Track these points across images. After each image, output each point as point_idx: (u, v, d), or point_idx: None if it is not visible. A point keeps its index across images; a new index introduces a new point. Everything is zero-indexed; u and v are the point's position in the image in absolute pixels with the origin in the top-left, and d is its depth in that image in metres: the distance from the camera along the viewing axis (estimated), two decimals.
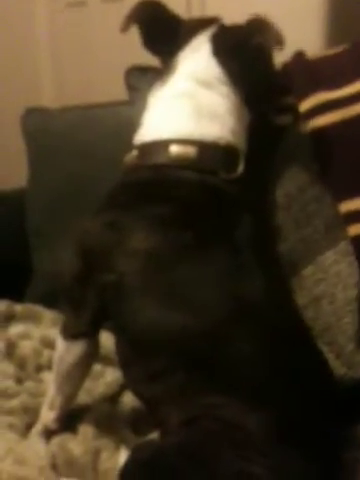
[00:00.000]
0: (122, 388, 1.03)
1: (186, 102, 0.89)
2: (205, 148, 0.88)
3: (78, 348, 0.90)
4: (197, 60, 0.91)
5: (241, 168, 0.89)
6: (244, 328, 0.80)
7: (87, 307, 0.88)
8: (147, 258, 0.83)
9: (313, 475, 0.74)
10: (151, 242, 0.83)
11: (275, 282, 0.86)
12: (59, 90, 1.98)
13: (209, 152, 0.88)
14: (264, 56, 0.92)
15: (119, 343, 0.89)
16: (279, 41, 0.85)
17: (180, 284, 0.82)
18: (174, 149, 0.87)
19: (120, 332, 0.87)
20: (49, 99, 1.90)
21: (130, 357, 0.86)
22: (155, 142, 0.90)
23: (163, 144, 0.88)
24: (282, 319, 0.83)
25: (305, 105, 0.95)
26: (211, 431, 0.75)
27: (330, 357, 0.89)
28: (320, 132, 0.94)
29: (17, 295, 1.32)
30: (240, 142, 0.91)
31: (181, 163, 0.87)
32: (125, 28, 0.92)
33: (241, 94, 0.91)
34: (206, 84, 0.90)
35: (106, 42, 1.86)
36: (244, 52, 0.90)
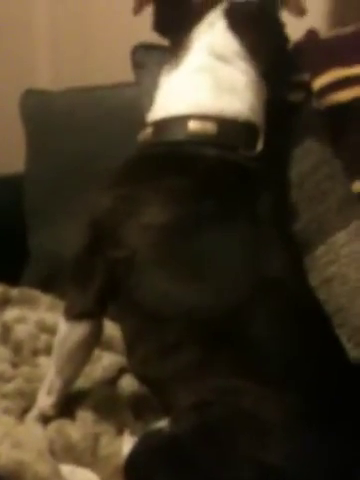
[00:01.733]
0: (120, 372, 1.01)
1: (205, 77, 0.88)
2: (225, 124, 0.85)
3: (82, 329, 0.87)
4: (213, 35, 0.90)
5: (260, 145, 0.87)
6: (265, 305, 0.77)
7: (94, 284, 0.85)
8: (162, 231, 0.80)
9: (333, 461, 0.72)
10: (166, 215, 0.81)
11: (294, 260, 0.84)
12: (55, 74, 1.95)
13: (229, 128, 0.86)
14: (279, 27, 0.91)
15: (127, 319, 0.85)
16: (302, 9, 0.84)
17: (197, 257, 0.79)
18: (193, 125, 0.85)
19: (130, 307, 0.83)
20: (45, 83, 1.87)
21: (140, 332, 0.82)
22: (172, 118, 0.87)
23: (181, 120, 0.86)
24: (303, 298, 0.81)
25: (320, 81, 0.92)
26: (226, 418, 0.71)
27: (342, 339, 0.86)
28: (335, 108, 0.91)
29: (13, 280, 1.30)
30: (259, 118, 0.89)
31: (200, 139, 0.85)
32: (139, 9, 0.90)
33: (258, 69, 0.89)
34: (224, 58, 0.88)
35: (104, 27, 1.83)
36: (260, 23, 0.89)
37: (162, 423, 0.80)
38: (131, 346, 0.85)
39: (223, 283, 0.78)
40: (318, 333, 0.80)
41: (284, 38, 0.93)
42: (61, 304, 1.08)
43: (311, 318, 0.81)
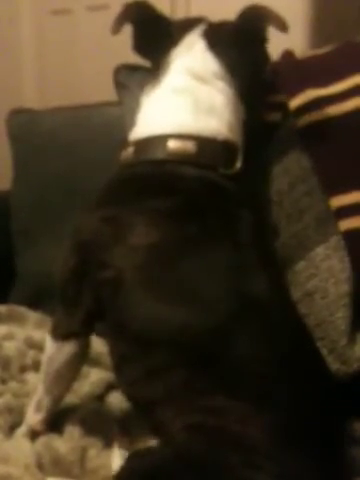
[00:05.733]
0: (108, 388, 1.02)
1: (184, 97, 0.89)
2: (204, 143, 0.87)
3: (69, 349, 0.88)
4: (192, 56, 0.91)
5: (239, 164, 0.89)
6: (248, 325, 0.78)
7: (81, 305, 0.86)
8: (148, 253, 0.81)
9: (319, 477, 0.72)
10: (152, 237, 0.81)
11: (275, 278, 0.85)
12: (41, 95, 1.98)
13: (208, 147, 0.87)
14: (259, 46, 0.92)
15: (115, 340, 0.86)
16: (284, 26, 0.85)
17: (182, 279, 0.80)
18: (172, 144, 0.87)
19: (117, 328, 0.84)
20: (31, 103, 1.89)
21: (127, 354, 0.83)
22: (153, 137, 0.88)
23: (161, 139, 0.87)
24: (285, 316, 0.82)
25: (296, 102, 0.95)
26: (214, 439, 0.72)
27: (323, 352, 0.88)
28: (311, 128, 0.94)
29: (0, 299, 1.31)
30: (237, 138, 0.91)
31: (180, 158, 0.86)
32: (117, 29, 0.91)
33: (237, 89, 0.91)
34: (203, 79, 0.90)
35: (89, 49, 1.86)
36: (238, 44, 0.90)
37: (152, 442, 0.82)
38: (119, 368, 0.86)
39: (207, 305, 0.79)
40: (300, 351, 0.81)
41: (264, 57, 0.94)
42: (49, 321, 1.09)
43: (293, 337, 0.82)
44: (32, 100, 1.92)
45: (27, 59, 2.01)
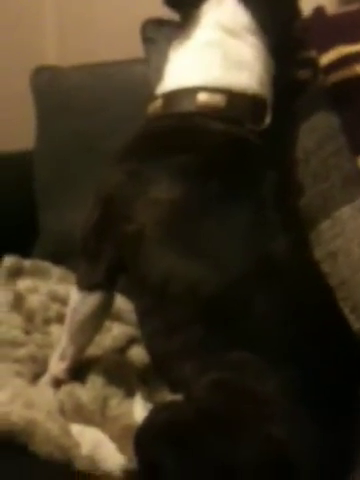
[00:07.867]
0: (129, 343, 1.04)
1: (214, 51, 0.88)
2: (233, 97, 0.86)
3: (93, 300, 0.89)
4: (223, 10, 0.90)
5: (268, 119, 0.88)
6: (267, 284, 0.78)
7: (104, 258, 0.87)
8: (170, 208, 0.81)
9: (329, 437, 0.73)
10: (174, 192, 0.82)
11: (298, 238, 0.85)
12: (63, 53, 1.96)
13: (237, 101, 0.86)
14: (291, 1, 0.91)
15: (136, 294, 0.87)
16: None
17: (203, 235, 0.81)
18: (202, 97, 0.86)
19: (138, 283, 0.85)
20: (52, 60, 1.88)
21: (148, 307, 0.84)
22: (182, 89, 0.88)
23: (191, 91, 0.87)
24: (305, 277, 0.82)
25: (326, 59, 0.94)
26: (231, 394, 0.73)
27: (345, 312, 0.88)
28: (341, 85, 0.92)
29: (24, 254, 1.32)
30: (267, 93, 0.90)
31: (208, 111, 0.86)
32: None
33: (268, 44, 0.90)
34: (233, 33, 0.89)
35: (111, 7, 1.84)
36: None
37: (169, 395, 0.84)
38: (141, 322, 0.87)
39: (227, 261, 0.79)
40: (320, 311, 0.81)
41: (295, 12, 0.93)
42: (72, 276, 1.11)
43: (313, 297, 0.81)
44: (54, 58, 1.91)
45: (49, 17, 1.99)
